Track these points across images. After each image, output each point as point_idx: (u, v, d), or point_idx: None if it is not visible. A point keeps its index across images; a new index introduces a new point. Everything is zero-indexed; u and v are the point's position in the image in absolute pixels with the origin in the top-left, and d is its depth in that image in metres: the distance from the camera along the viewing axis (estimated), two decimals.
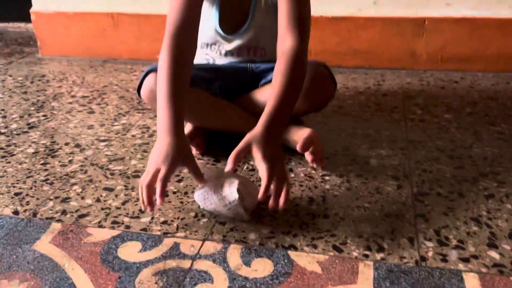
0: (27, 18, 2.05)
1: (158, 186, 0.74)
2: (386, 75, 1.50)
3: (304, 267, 0.70)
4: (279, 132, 0.84)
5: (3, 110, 1.33)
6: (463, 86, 1.39)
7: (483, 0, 1.43)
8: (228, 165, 0.76)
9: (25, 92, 1.46)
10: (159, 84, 0.84)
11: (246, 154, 0.78)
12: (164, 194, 0.74)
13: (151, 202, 0.75)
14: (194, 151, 1.04)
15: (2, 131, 1.20)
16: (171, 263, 0.72)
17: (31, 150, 1.09)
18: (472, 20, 1.44)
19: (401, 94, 1.36)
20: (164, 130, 0.79)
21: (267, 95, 0.99)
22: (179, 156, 0.77)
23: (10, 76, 1.61)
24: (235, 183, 0.78)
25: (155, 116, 1.25)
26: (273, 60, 1.09)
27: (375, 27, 1.51)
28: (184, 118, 1.05)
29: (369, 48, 1.54)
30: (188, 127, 1.07)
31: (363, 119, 1.20)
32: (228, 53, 1.08)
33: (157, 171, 0.75)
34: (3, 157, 1.06)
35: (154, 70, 0.97)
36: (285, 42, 0.90)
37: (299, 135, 0.99)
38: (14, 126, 1.22)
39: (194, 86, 0.95)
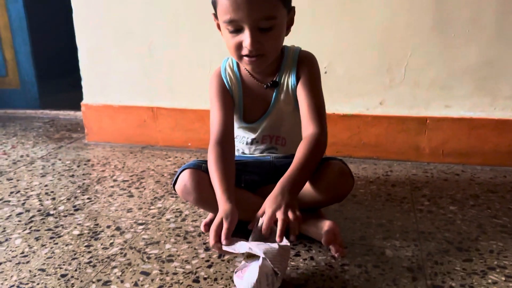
0: (76, 107, 2.15)
1: (223, 236, 0.86)
2: (394, 166, 1.51)
3: None
4: (293, 194, 0.90)
5: (52, 192, 1.35)
6: (465, 179, 1.39)
7: (478, 103, 1.46)
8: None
9: (72, 176, 1.49)
10: (211, 174, 0.97)
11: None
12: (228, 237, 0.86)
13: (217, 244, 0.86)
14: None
15: (51, 212, 1.21)
16: None
17: (76, 232, 1.09)
18: (469, 120, 1.47)
19: (408, 185, 1.35)
20: (222, 201, 0.91)
21: None
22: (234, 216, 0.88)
23: (60, 160, 1.65)
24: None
25: (187, 201, 1.26)
26: (292, 153, 1.12)
27: (382, 124, 1.54)
28: (210, 210, 1.06)
29: (377, 142, 1.56)
30: (208, 216, 1.07)
31: (376, 209, 1.19)
32: (253, 141, 1.12)
33: (221, 223, 0.87)
34: (51, 238, 1.06)
35: (188, 167, 1.00)
36: (307, 129, 1.01)
37: (319, 226, 0.98)
38: (61, 208, 1.24)
39: None
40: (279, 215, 0.84)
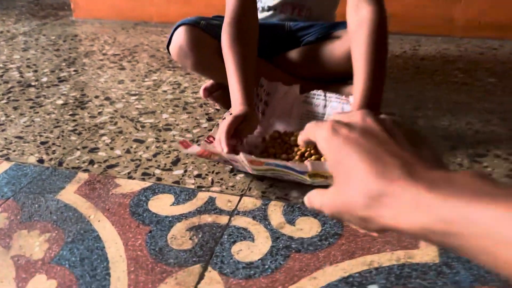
0: None
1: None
2: (422, 41, 1.33)
3: (356, 228, 0.57)
4: (377, 104, 0.70)
5: (34, 65, 1.20)
6: (503, 53, 1.22)
7: None
8: None
9: (58, 50, 1.33)
10: (226, 58, 0.76)
11: None
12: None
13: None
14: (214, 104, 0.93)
15: (33, 84, 1.07)
16: (207, 218, 0.59)
17: (60, 102, 0.97)
18: None
19: (439, 58, 1.19)
20: (238, 103, 0.72)
21: (309, 55, 0.87)
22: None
23: (44, 35, 1.48)
24: None
25: (186, 73, 1.12)
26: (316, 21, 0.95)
27: None
28: (211, 76, 0.91)
29: (404, 13, 1.37)
30: (209, 82, 0.93)
31: (404, 81, 1.05)
32: (271, 9, 0.93)
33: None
34: (31, 107, 0.94)
35: (184, 24, 0.83)
36: (360, 11, 0.72)
37: (344, 91, 0.85)
38: (44, 79, 1.10)
39: None
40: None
